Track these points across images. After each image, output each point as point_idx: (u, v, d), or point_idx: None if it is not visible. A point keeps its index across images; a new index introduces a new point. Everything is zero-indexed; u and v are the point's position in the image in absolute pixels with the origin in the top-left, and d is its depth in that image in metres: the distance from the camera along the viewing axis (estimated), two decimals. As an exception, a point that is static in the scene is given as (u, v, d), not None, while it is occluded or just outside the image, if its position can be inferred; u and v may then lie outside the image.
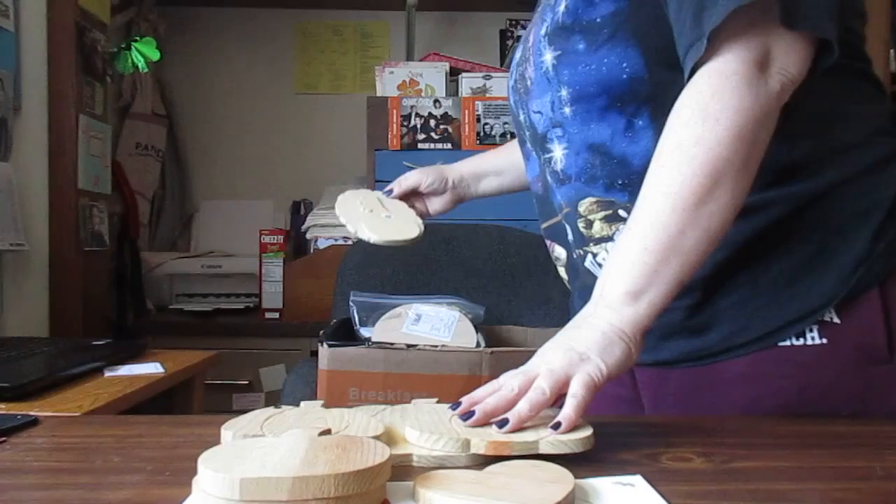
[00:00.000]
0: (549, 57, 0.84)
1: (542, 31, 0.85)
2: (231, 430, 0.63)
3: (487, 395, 0.67)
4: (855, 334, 0.77)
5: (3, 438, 0.70)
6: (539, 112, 0.89)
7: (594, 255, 0.88)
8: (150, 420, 0.79)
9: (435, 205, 1.18)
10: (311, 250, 2.74)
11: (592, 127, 0.83)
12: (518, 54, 0.94)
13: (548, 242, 0.99)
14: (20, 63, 2.00)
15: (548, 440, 0.61)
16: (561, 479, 0.54)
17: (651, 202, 0.71)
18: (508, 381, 0.68)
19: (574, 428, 0.63)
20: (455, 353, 1.41)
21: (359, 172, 2.84)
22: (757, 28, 0.71)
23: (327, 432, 0.61)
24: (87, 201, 2.29)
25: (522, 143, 0.98)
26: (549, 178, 0.91)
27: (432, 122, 2.54)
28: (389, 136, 2.53)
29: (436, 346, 1.43)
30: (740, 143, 0.69)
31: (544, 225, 0.98)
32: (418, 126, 2.54)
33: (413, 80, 2.65)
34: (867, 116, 0.83)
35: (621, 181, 0.83)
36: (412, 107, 2.54)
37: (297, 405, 0.72)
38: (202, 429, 0.74)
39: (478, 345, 1.46)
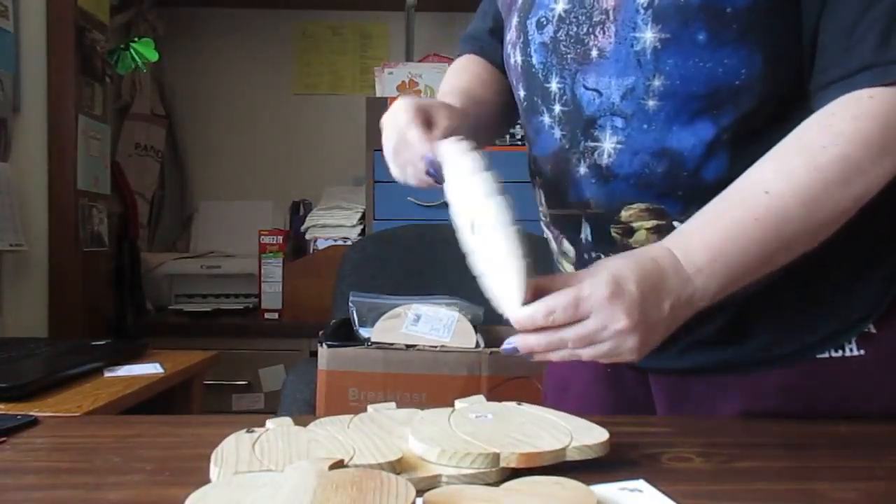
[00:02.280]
0: (649, 35, 0.70)
1: (643, 0, 0.70)
2: (218, 465, 0.56)
3: (545, 333, 0.64)
4: (893, 344, 0.76)
5: (3, 438, 0.70)
6: (596, 90, 0.75)
7: None
8: (150, 420, 0.79)
9: None
10: (311, 251, 2.74)
11: (674, 130, 0.72)
12: (558, 3, 0.76)
13: (551, 232, 0.88)
14: (20, 63, 2.00)
15: (574, 447, 0.61)
16: (581, 500, 0.52)
17: (782, 197, 0.65)
18: (567, 331, 0.63)
19: (595, 433, 0.63)
20: (454, 354, 1.41)
21: (358, 173, 2.84)
22: None
23: (339, 464, 0.54)
24: (87, 202, 2.29)
25: (535, 113, 0.82)
26: (581, 169, 0.78)
27: (432, 123, 2.53)
28: (389, 137, 2.53)
29: (435, 347, 1.43)
30: (888, 180, 0.66)
31: (552, 212, 0.86)
32: (418, 126, 2.53)
33: (412, 81, 2.65)
34: None
35: (682, 192, 0.74)
36: (412, 107, 2.53)
37: (297, 405, 0.71)
38: (202, 429, 0.74)
39: (477, 345, 1.46)
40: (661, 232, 0.75)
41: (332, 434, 0.62)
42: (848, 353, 0.76)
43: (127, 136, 3.01)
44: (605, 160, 0.76)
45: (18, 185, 1.96)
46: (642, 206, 0.76)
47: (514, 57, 0.84)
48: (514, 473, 0.57)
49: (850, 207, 0.66)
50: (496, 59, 0.97)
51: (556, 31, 0.77)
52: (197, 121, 3.30)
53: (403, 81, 2.65)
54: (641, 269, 0.64)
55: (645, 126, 0.73)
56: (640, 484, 0.57)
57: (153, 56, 2.75)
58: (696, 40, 0.69)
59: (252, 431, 0.63)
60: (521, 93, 0.84)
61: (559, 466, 0.59)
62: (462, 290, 1.77)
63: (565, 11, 0.76)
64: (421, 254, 1.95)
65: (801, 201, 0.65)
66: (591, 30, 0.74)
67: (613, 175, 0.76)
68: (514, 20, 0.83)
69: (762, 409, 0.79)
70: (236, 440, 0.61)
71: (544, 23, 0.78)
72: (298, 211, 3.06)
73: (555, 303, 0.63)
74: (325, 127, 3.29)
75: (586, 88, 0.75)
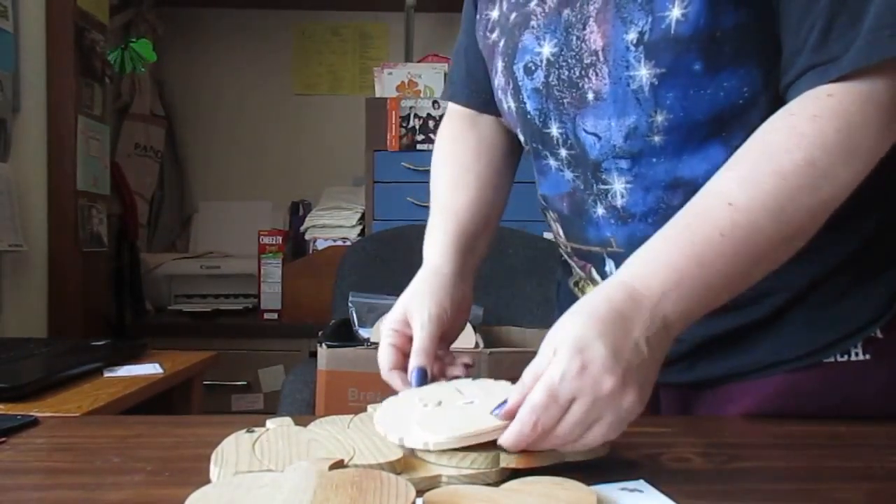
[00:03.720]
0: (645, 73, 0.68)
1: (631, 38, 0.68)
2: (218, 465, 0.56)
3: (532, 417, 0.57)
4: None
5: (3, 439, 0.70)
6: (595, 135, 0.74)
7: None
8: (150, 420, 0.79)
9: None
10: (310, 251, 2.74)
11: (684, 160, 0.71)
12: (543, 47, 0.75)
13: (574, 262, 0.87)
14: (19, 64, 2.00)
15: (573, 447, 0.60)
16: (581, 500, 0.51)
17: (749, 209, 0.62)
18: (562, 428, 0.57)
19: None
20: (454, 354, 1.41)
21: (357, 173, 2.84)
22: None
23: (339, 464, 0.54)
24: (86, 202, 2.29)
25: (538, 157, 0.82)
26: (598, 210, 0.77)
27: (431, 123, 2.54)
28: (388, 137, 2.53)
29: (435, 347, 1.43)
30: (866, 169, 0.63)
31: (573, 245, 0.84)
32: (417, 127, 2.54)
33: (412, 81, 2.65)
34: None
35: None
36: (411, 108, 2.54)
37: (297, 406, 0.71)
38: (201, 429, 0.74)
39: (476, 345, 1.46)
40: None
41: (332, 434, 0.62)
42: (854, 358, 0.76)
43: (126, 136, 3.01)
44: (619, 202, 0.75)
45: (18, 185, 1.96)
46: None
47: (507, 103, 0.82)
48: (514, 473, 0.57)
49: (820, 213, 0.63)
50: (483, 104, 0.95)
51: (546, 76, 0.75)
52: (197, 121, 3.30)
53: (403, 82, 2.65)
54: (598, 320, 0.59)
55: (654, 160, 0.72)
56: (640, 484, 0.57)
57: (151, 57, 2.75)
58: (692, 70, 0.68)
59: (252, 431, 0.63)
60: (522, 137, 0.84)
61: (559, 466, 0.59)
62: (462, 290, 1.77)
63: (553, 55, 0.74)
64: (420, 254, 1.94)
65: (768, 212, 0.62)
66: (583, 72, 0.72)
67: (631, 215, 0.75)
68: (500, 64, 0.81)
69: (766, 411, 0.78)
70: (236, 440, 0.61)
71: (533, 68, 0.76)
72: (298, 211, 3.07)
73: (531, 407, 0.57)
74: (324, 127, 3.29)
75: (587, 133, 0.74)
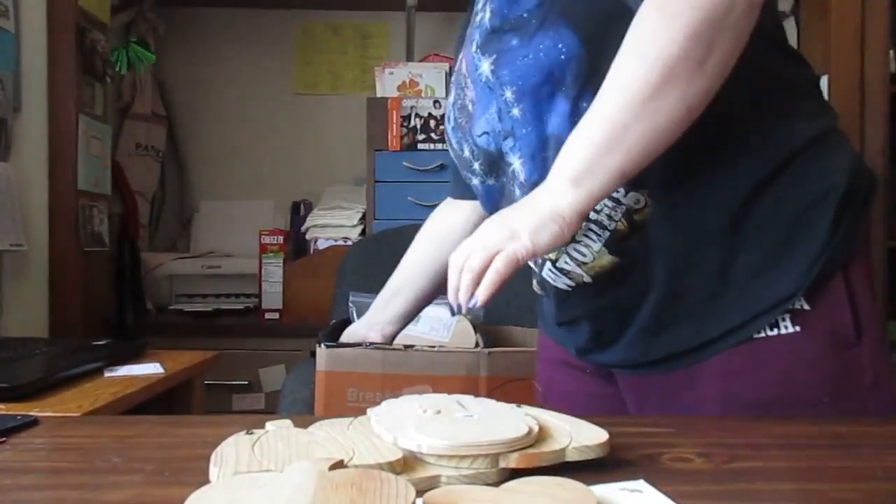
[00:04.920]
0: (486, 66, 0.85)
1: (473, 48, 0.88)
2: (218, 466, 0.56)
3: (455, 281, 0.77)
4: (826, 320, 0.79)
5: (3, 438, 0.70)
6: (485, 133, 0.88)
7: (553, 262, 0.88)
8: (150, 420, 0.79)
9: None
10: (311, 251, 2.74)
11: (544, 119, 0.82)
12: (451, 96, 0.96)
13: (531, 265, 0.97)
14: (20, 63, 2.00)
15: (573, 448, 0.61)
16: (581, 500, 0.51)
17: (603, 97, 0.73)
18: (459, 261, 0.77)
19: (595, 434, 0.63)
20: (454, 354, 1.41)
21: (358, 173, 2.85)
22: None
23: (339, 464, 0.54)
24: (87, 202, 2.29)
25: (472, 183, 0.96)
26: (517, 193, 0.88)
27: (432, 123, 2.54)
28: (389, 137, 2.53)
29: (434, 347, 1.43)
30: (696, 42, 0.70)
31: None
32: (418, 126, 2.54)
33: (413, 81, 2.65)
34: (800, 86, 0.85)
35: None
36: (412, 107, 2.54)
37: (297, 406, 0.70)
38: (202, 429, 0.74)
39: (476, 345, 1.46)
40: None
41: (332, 435, 0.62)
42: (784, 332, 0.79)
43: (127, 136, 3.01)
44: (522, 176, 0.86)
45: (19, 185, 1.96)
46: None
47: (454, 152, 0.99)
48: (514, 473, 0.57)
49: (669, 65, 0.70)
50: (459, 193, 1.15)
51: (454, 113, 0.95)
52: (197, 121, 3.30)
53: (404, 81, 2.65)
54: (510, 207, 0.79)
55: (524, 131, 0.84)
56: (640, 484, 0.57)
57: (149, 58, 2.76)
58: (511, 47, 0.82)
59: (251, 433, 0.63)
60: (463, 172, 0.98)
61: (559, 466, 0.59)
62: (462, 290, 1.77)
63: (454, 97, 0.95)
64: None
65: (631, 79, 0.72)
66: (464, 94, 0.92)
67: (534, 184, 0.83)
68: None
69: (714, 395, 0.81)
70: (236, 441, 0.61)
71: (450, 115, 0.97)
72: (299, 211, 3.07)
73: (468, 251, 0.77)
74: (325, 127, 3.29)
75: (478, 137, 0.89)
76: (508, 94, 0.83)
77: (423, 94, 2.62)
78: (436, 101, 2.54)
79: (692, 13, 0.69)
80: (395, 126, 2.53)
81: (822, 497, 0.57)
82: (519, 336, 1.75)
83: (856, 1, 2.21)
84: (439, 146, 2.53)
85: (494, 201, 0.94)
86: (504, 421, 0.64)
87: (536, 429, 0.62)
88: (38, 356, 1.40)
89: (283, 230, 2.78)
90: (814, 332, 0.79)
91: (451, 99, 0.97)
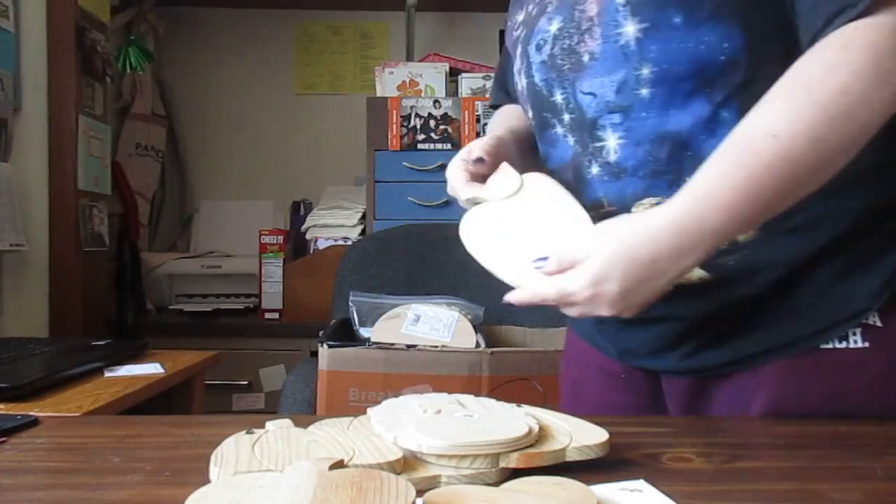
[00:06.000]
0: (631, 28, 0.74)
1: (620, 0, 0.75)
2: (218, 465, 0.56)
3: (555, 294, 0.71)
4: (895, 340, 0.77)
5: (3, 438, 0.70)
6: (592, 93, 0.79)
7: None
8: (150, 420, 0.79)
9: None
10: (311, 251, 2.74)
11: (671, 114, 0.75)
12: (552, 25, 0.82)
13: None
14: (20, 63, 2.00)
15: (573, 448, 0.61)
16: (581, 500, 0.51)
17: (791, 139, 0.65)
18: (575, 291, 0.70)
19: (595, 434, 0.63)
20: (455, 354, 1.41)
21: (359, 173, 2.84)
22: None
23: (339, 464, 0.54)
24: (87, 202, 2.29)
25: (547, 128, 0.87)
26: (593, 169, 0.81)
27: (432, 123, 2.54)
28: (389, 137, 2.53)
29: (435, 347, 1.43)
30: (891, 109, 0.66)
31: None
32: (418, 126, 2.54)
33: (413, 81, 2.65)
34: None
35: (688, 178, 0.72)
36: (412, 107, 2.54)
37: (297, 405, 0.70)
38: (202, 429, 0.74)
39: (477, 345, 1.46)
40: None
41: (332, 435, 0.62)
42: (852, 345, 0.77)
43: (127, 135, 3.01)
44: (612, 157, 0.79)
45: (19, 185, 1.96)
46: (653, 200, 0.77)
47: (521, 83, 0.89)
48: (514, 473, 0.57)
49: (858, 139, 0.66)
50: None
51: (552, 49, 0.82)
52: (197, 121, 3.30)
53: (404, 81, 2.65)
54: (630, 261, 0.69)
55: (643, 114, 0.76)
56: (640, 484, 0.57)
57: (149, 58, 2.75)
58: (672, 24, 0.73)
59: (252, 433, 0.63)
60: (530, 112, 0.90)
61: (559, 466, 0.59)
62: (462, 290, 1.77)
63: (558, 30, 0.81)
64: (421, 254, 1.95)
65: (809, 142, 0.65)
66: (580, 38, 0.79)
67: (622, 170, 0.79)
68: (519, 50, 0.89)
69: (772, 401, 0.79)
70: (236, 441, 0.61)
71: (542, 44, 0.84)
72: (299, 211, 3.07)
73: (543, 295, 0.72)
74: (325, 127, 3.29)
75: (583, 93, 0.80)
76: (645, 72, 0.75)
77: (422, 94, 2.62)
78: (436, 101, 2.54)
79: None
80: (394, 126, 2.53)
81: (822, 497, 0.57)
82: (519, 336, 1.75)
83: None
84: (439, 146, 2.53)
85: (558, 158, 0.87)
86: (504, 421, 0.64)
87: (536, 429, 0.62)
88: (38, 356, 1.40)
89: (283, 230, 2.78)
90: (881, 350, 0.76)
91: (543, 30, 0.83)
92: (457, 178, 0.85)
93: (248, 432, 0.63)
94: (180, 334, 2.54)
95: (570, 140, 0.84)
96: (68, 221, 2.18)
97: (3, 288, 1.94)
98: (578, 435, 0.63)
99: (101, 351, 1.45)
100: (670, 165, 0.76)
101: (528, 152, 0.96)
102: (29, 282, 2.06)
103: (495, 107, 1.11)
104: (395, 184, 2.54)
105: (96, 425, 0.80)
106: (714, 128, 0.74)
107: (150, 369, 1.38)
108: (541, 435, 0.62)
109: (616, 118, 0.78)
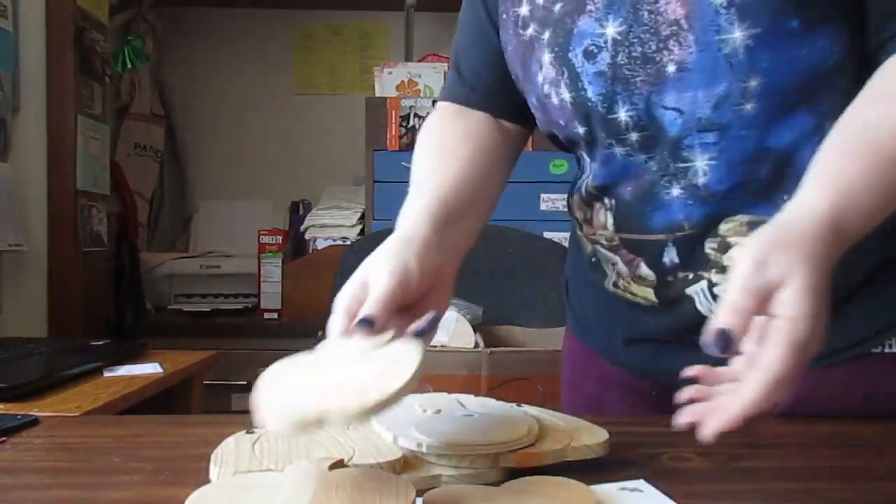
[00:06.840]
0: (739, 35, 0.65)
1: (720, 0, 0.65)
2: (218, 465, 0.55)
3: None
4: None
5: (3, 438, 0.70)
6: (677, 109, 0.69)
7: (712, 284, 0.73)
8: (150, 420, 0.79)
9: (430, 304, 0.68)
10: (310, 250, 2.74)
11: (773, 128, 0.68)
12: (607, 28, 0.70)
13: (618, 255, 0.80)
14: (19, 63, 2.00)
15: (573, 447, 0.60)
16: (581, 500, 0.51)
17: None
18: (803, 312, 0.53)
19: (594, 434, 0.63)
20: (454, 354, 1.41)
21: (358, 173, 2.84)
22: None
23: (339, 464, 0.53)
24: (86, 202, 2.29)
25: (600, 147, 0.76)
26: (673, 191, 0.73)
27: (431, 123, 2.54)
28: (388, 137, 2.53)
29: (434, 347, 1.43)
30: None
31: (625, 236, 0.79)
32: (417, 126, 2.53)
33: (412, 81, 2.65)
34: None
35: (787, 196, 0.64)
36: (411, 107, 2.54)
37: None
38: (201, 429, 0.74)
39: (476, 345, 1.46)
40: None
41: (332, 435, 0.62)
42: (888, 350, 0.74)
43: (126, 135, 3.01)
44: (700, 179, 0.71)
45: (18, 185, 1.96)
46: (745, 218, 0.71)
47: (560, 95, 0.75)
48: (514, 473, 0.57)
49: None
50: (474, 101, 0.89)
51: (613, 57, 0.70)
52: (196, 121, 3.30)
53: (403, 81, 2.65)
54: (817, 272, 0.55)
55: (743, 132, 0.68)
56: (640, 484, 0.57)
57: (148, 58, 2.75)
58: (790, 28, 0.65)
59: (252, 432, 0.63)
60: (579, 129, 0.77)
61: (559, 466, 0.59)
62: (462, 290, 1.77)
63: (620, 34, 0.70)
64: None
65: None
66: (661, 45, 0.68)
67: (712, 193, 0.71)
68: (547, 57, 0.75)
69: (817, 406, 0.75)
70: (236, 440, 0.61)
71: (595, 51, 0.71)
72: (298, 211, 3.07)
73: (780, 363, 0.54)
74: (324, 127, 3.29)
75: (665, 109, 0.70)
76: (754, 83, 0.66)
77: (421, 94, 2.62)
78: (434, 102, 2.55)
79: None
80: (393, 126, 2.53)
81: (822, 497, 0.57)
82: (518, 336, 1.75)
83: None
84: (438, 146, 2.53)
85: (610, 176, 0.76)
86: (504, 420, 0.64)
87: (536, 428, 0.62)
88: (38, 356, 1.40)
89: (282, 230, 2.78)
90: None
91: (583, 23, 0.71)
92: (336, 322, 0.66)
93: (248, 432, 0.63)
94: (179, 334, 2.54)
95: (639, 158, 0.74)
96: (67, 221, 2.18)
97: (2, 288, 1.94)
98: (578, 435, 0.63)
99: (100, 351, 1.45)
100: (770, 184, 0.69)
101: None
102: (28, 282, 2.06)
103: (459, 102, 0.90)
104: (394, 184, 2.54)
105: (96, 425, 0.80)
106: (819, 139, 0.64)
107: (150, 369, 1.38)
108: (541, 435, 0.62)
109: (710, 137, 0.69)
